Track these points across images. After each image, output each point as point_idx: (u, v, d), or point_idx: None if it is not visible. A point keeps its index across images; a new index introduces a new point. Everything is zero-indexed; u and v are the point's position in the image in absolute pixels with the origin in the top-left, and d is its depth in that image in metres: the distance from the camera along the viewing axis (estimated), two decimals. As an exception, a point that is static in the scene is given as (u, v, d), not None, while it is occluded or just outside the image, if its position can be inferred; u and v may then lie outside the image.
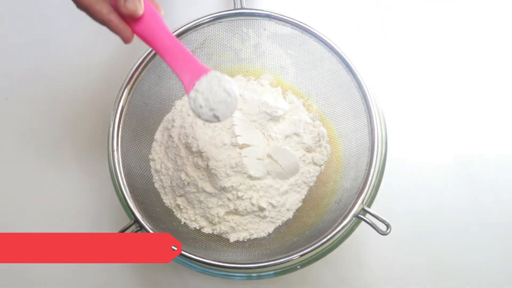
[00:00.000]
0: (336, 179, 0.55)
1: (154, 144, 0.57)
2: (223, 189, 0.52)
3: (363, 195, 0.47)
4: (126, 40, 0.41)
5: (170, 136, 0.55)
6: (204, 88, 0.41)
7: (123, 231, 0.47)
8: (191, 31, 0.53)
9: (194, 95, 0.41)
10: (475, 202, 0.58)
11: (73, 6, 0.40)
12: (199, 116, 0.42)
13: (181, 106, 0.57)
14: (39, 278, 0.58)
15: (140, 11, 0.40)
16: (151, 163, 0.56)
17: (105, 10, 0.40)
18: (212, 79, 0.41)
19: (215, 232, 0.54)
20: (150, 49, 0.51)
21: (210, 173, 0.52)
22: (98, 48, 0.65)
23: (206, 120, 0.42)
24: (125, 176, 0.49)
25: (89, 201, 0.60)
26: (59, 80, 0.64)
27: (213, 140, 0.51)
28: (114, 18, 0.40)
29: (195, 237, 0.54)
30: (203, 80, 0.41)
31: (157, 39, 0.41)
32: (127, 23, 0.40)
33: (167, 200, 0.55)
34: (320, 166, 0.56)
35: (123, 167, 0.49)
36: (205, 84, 0.41)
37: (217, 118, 0.42)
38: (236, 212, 0.53)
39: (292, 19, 0.52)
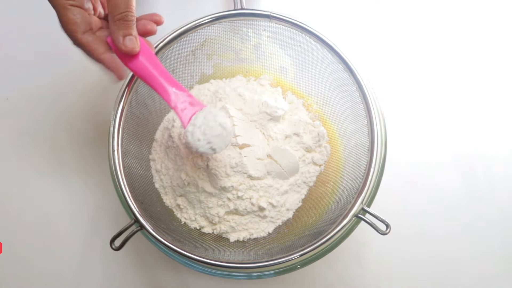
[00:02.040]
0: (336, 179, 0.55)
1: (154, 144, 0.57)
2: (223, 189, 0.52)
3: (363, 195, 0.47)
4: (120, 78, 0.44)
5: (170, 136, 0.55)
6: (201, 123, 0.44)
7: (123, 231, 0.47)
8: (191, 31, 0.53)
9: (191, 129, 0.44)
10: (475, 201, 0.58)
11: None
12: (196, 149, 0.45)
13: (181, 106, 0.57)
14: (39, 278, 0.58)
15: (137, 48, 0.42)
16: (151, 163, 0.56)
17: (101, 49, 0.42)
18: (208, 114, 0.45)
19: (215, 232, 0.54)
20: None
21: (210, 173, 0.52)
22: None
23: (203, 153, 0.45)
24: (125, 176, 0.49)
25: (89, 201, 0.60)
26: (59, 80, 0.64)
27: (213, 140, 0.51)
28: (108, 57, 0.42)
29: (195, 237, 0.54)
30: (199, 115, 0.45)
31: (152, 75, 0.44)
32: (123, 60, 0.43)
33: (167, 200, 0.55)
34: (320, 166, 0.56)
35: (123, 167, 0.49)
36: (201, 119, 0.45)
37: (214, 150, 0.45)
38: (236, 212, 0.54)
39: (292, 19, 0.52)
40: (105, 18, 0.45)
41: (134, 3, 0.41)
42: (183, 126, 0.45)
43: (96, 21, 0.44)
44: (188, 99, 0.46)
